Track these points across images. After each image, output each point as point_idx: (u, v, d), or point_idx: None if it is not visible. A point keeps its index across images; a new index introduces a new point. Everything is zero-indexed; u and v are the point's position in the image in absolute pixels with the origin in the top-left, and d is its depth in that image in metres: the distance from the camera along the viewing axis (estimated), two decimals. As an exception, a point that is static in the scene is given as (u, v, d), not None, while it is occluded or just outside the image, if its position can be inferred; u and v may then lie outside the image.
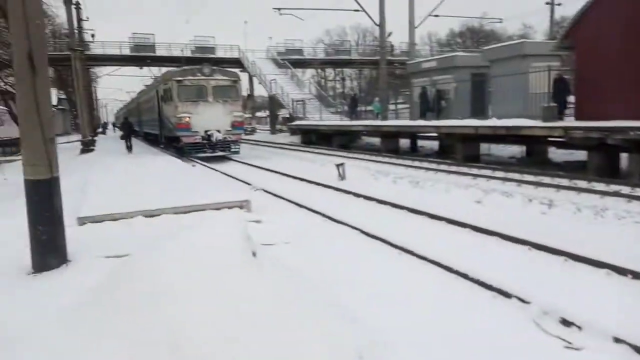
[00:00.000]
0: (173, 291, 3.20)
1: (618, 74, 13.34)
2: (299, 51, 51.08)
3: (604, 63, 13.54)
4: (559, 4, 35.54)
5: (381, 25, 24.19)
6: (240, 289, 3.31)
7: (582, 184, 10.69)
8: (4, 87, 25.96)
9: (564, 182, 11.09)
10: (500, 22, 39.40)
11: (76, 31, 28.07)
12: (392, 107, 29.78)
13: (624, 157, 12.27)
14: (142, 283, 3.33)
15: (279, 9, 26.48)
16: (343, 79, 76.99)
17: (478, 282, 5.25)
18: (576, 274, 5.51)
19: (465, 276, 5.43)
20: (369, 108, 35.27)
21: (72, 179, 13.16)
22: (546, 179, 11.54)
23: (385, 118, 24.55)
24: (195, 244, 3.97)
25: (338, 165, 13.90)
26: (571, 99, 15.51)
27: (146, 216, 8.18)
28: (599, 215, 7.99)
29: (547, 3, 35.34)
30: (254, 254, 3.82)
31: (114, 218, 8.01)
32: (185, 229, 4.55)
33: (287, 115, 41.98)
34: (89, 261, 5.59)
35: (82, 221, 7.81)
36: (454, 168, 14.53)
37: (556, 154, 17.09)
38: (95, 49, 43.63)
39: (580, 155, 14.45)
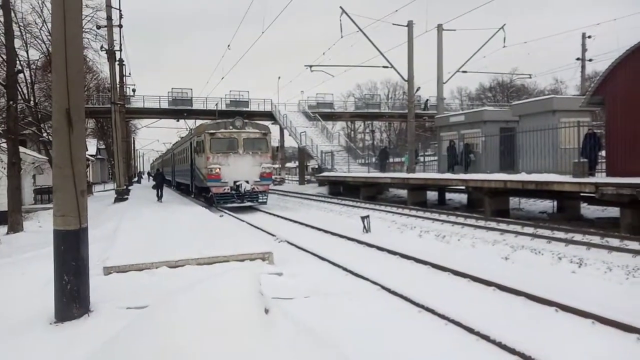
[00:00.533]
0: (182, 350, 3.23)
1: (650, 130, 13.12)
2: (330, 104, 52.45)
3: (635, 119, 13.35)
4: (590, 60, 35.56)
5: (409, 80, 24.62)
6: (250, 351, 3.30)
7: (614, 242, 10.33)
8: (47, 137, 27.40)
9: (595, 239, 10.73)
10: (529, 77, 39.42)
11: (118, 86, 29.65)
12: (422, 159, 29.80)
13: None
14: (155, 340, 3.37)
15: (310, 67, 27.24)
16: (373, 132, 78.09)
17: (500, 344, 5.09)
18: (604, 338, 5.27)
19: (487, 338, 5.27)
20: (398, 160, 35.39)
21: (103, 228, 13.59)
22: (577, 236, 11.19)
23: (412, 171, 24.52)
24: (211, 297, 4.02)
25: (363, 218, 13.89)
26: (602, 153, 15.26)
27: (170, 267, 8.31)
28: (630, 275, 7.67)
29: (578, 59, 35.42)
30: (266, 311, 3.83)
31: (139, 268, 8.16)
32: (205, 281, 4.59)
33: (316, 166, 42.50)
34: (110, 312, 5.67)
35: (108, 271, 7.98)
36: (481, 223, 14.28)
37: (589, 210, 16.65)
38: (136, 103, 45.89)
39: (613, 211, 14.02)
